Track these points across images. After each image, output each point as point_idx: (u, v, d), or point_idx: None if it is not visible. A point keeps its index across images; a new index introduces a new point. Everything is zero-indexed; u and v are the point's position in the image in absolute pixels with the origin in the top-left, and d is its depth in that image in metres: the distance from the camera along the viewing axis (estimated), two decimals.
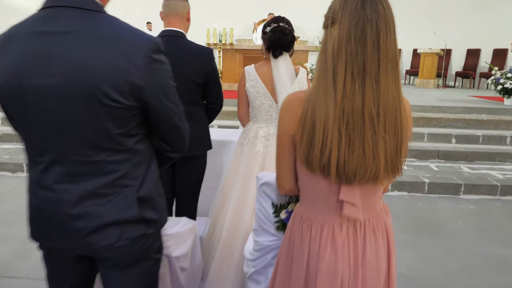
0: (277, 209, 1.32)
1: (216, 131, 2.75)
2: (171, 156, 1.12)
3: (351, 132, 0.84)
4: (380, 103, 0.84)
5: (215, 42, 7.26)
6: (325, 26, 0.89)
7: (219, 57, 7.18)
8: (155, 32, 8.20)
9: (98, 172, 0.95)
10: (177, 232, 1.74)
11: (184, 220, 1.95)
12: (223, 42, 7.35)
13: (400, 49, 10.36)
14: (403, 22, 10.02)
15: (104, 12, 0.94)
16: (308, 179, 0.95)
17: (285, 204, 1.31)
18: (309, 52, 7.78)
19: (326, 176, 0.88)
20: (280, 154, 0.97)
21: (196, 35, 8.46)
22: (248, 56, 7.19)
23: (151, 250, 1.07)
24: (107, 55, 0.88)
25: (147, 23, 9.66)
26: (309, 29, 10.22)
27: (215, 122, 5.12)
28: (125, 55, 0.89)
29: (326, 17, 0.89)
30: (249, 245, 1.50)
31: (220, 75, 7.04)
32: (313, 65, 6.78)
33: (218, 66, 7.39)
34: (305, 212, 0.99)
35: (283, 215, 1.30)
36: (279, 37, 1.84)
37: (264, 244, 1.37)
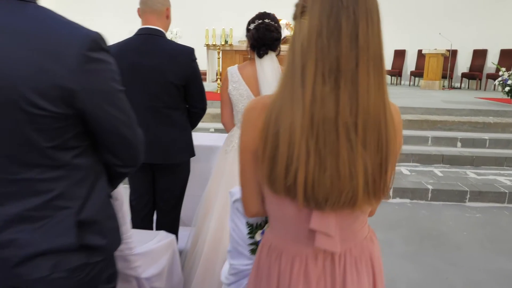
0: (253, 230, 1.15)
1: (204, 136, 2.60)
2: (123, 171, 0.97)
3: (321, 146, 0.68)
4: (358, 111, 0.68)
5: (214, 43, 7.11)
6: (295, 17, 0.73)
7: (218, 58, 7.03)
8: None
9: (27, 192, 0.80)
10: (149, 250, 1.58)
11: (161, 234, 1.80)
12: (225, 43, 7.21)
13: (404, 50, 10.17)
14: (408, 23, 9.88)
15: (34, 2, 0.80)
16: (274, 202, 0.79)
17: (262, 224, 1.15)
18: None
19: (293, 199, 0.72)
20: (243, 172, 0.81)
21: (196, 35, 8.36)
22: (248, 57, 7.02)
23: (98, 281, 0.92)
24: (32, 54, 0.73)
25: None
26: None
27: (210, 125, 4.98)
28: (53, 54, 0.74)
29: (296, 5, 0.73)
30: (225, 267, 1.35)
31: (219, 77, 6.90)
32: None
33: (218, 68, 7.25)
34: (274, 240, 0.84)
35: (258, 236, 1.14)
36: (263, 34, 1.68)
37: (239, 268, 1.21)
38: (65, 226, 0.83)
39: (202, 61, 9.04)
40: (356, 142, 0.69)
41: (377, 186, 0.72)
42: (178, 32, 7.38)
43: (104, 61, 0.81)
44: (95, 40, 0.79)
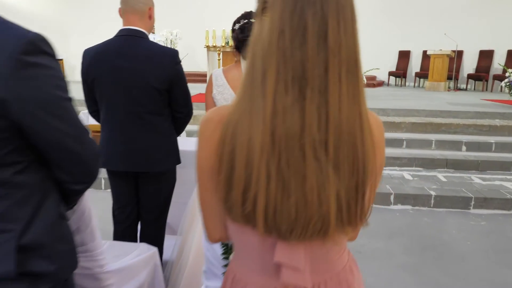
0: (227, 250, 1.05)
1: (194, 140, 2.49)
2: (75, 188, 0.87)
3: (285, 168, 0.57)
4: (328, 126, 0.57)
5: (214, 45, 7.03)
6: (256, 15, 0.63)
7: (219, 60, 6.95)
8: (155, 36, 8.05)
9: None
10: (126, 266, 1.48)
11: (142, 247, 1.70)
12: (225, 44, 7.12)
13: (409, 51, 10.01)
14: (412, 23, 9.73)
15: None
16: (235, 229, 0.68)
17: None
18: None
19: (254, 227, 0.61)
20: (201, 193, 0.71)
21: (196, 37, 8.26)
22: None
23: None
24: None
25: None
26: None
27: None
28: None
29: (258, 1, 0.63)
30: None
31: None
32: None
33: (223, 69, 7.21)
34: (238, 271, 0.73)
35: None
36: (248, 35, 1.58)
37: None
38: (4, 251, 0.74)
39: (203, 63, 8.96)
40: (327, 163, 0.58)
41: (352, 213, 0.61)
42: (178, 33, 7.31)
43: (43, 65, 0.72)
44: (33, 42, 0.69)
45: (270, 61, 0.58)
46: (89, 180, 0.86)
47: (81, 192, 0.91)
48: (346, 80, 0.58)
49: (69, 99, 0.79)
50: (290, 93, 0.56)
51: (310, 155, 0.57)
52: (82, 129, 0.81)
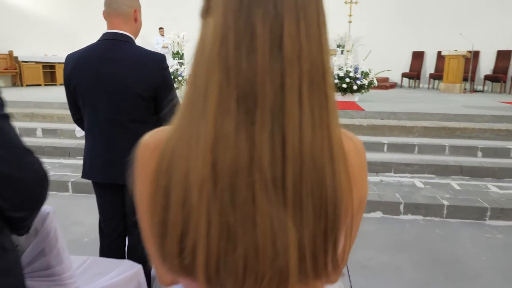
0: None
1: None
2: (16, 216, 0.76)
3: (229, 210, 0.45)
4: (286, 158, 0.44)
5: None
6: (201, 16, 0.50)
7: None
8: (164, 39, 8.01)
9: None
10: (104, 287, 1.38)
11: (125, 264, 1.59)
12: None
13: (423, 52, 9.73)
14: (426, 23, 9.52)
15: None
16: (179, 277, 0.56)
17: None
18: None
19: (194, 280, 0.49)
20: (144, 230, 0.59)
21: None
22: None
23: None
24: None
25: (159, 28, 9.48)
26: None
27: None
28: None
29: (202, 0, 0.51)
30: None
31: None
32: None
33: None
34: None
35: None
36: None
37: None
38: None
39: None
40: (284, 204, 0.45)
41: (320, 265, 0.48)
42: (185, 35, 7.25)
43: None
44: None
45: (212, 75, 0.46)
46: (31, 206, 0.76)
47: (25, 220, 0.80)
48: (310, 97, 0.45)
49: (4, 116, 0.68)
50: (234, 115, 0.44)
51: (261, 195, 0.44)
52: (19, 149, 0.71)
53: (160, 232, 0.48)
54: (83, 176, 1.71)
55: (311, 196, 0.46)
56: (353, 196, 0.50)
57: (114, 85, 1.56)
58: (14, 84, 9.39)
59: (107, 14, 1.61)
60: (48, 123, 5.19)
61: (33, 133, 4.95)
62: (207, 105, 0.46)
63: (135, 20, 1.64)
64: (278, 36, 0.44)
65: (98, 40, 1.61)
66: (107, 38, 1.59)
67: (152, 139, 0.54)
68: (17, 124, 5.02)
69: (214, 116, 0.45)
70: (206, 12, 0.48)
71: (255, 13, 0.44)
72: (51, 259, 1.11)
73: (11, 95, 7.02)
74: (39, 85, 9.51)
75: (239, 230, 0.45)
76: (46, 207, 1.16)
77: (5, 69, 9.07)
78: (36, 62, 9.48)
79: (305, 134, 0.45)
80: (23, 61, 9.26)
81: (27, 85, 9.27)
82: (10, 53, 9.17)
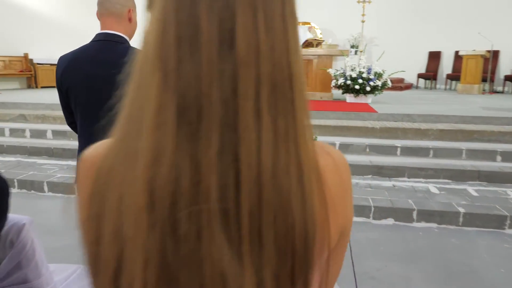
0: None
1: None
2: None
3: (170, 248, 0.36)
4: (241, 181, 0.35)
5: None
6: (146, 8, 0.42)
7: None
8: None
9: None
10: None
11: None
12: None
13: (440, 52, 9.47)
14: (443, 22, 9.27)
15: None
16: None
17: None
18: (336, 57, 7.21)
19: None
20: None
21: None
22: None
23: None
24: None
25: None
26: (339, 31, 9.62)
27: None
28: None
29: None
30: None
31: None
32: (337, 70, 6.21)
33: None
34: None
35: None
36: None
37: None
38: None
39: None
40: (239, 238, 0.36)
41: None
42: None
43: None
44: None
45: (152, 79, 0.37)
46: None
47: None
48: (271, 107, 0.36)
49: None
50: (173, 130, 0.35)
51: (208, 229, 0.35)
52: None
53: (92, 269, 0.40)
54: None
55: (273, 228, 0.37)
56: (330, 225, 0.40)
57: (106, 88, 1.49)
58: (29, 86, 9.55)
59: (100, 14, 1.55)
60: (59, 125, 5.22)
61: (43, 135, 4.99)
62: (144, 116, 0.37)
63: (130, 20, 1.58)
64: (229, 31, 0.35)
65: (91, 41, 1.55)
66: (99, 39, 1.53)
67: (90, 155, 0.46)
68: (29, 126, 5.09)
69: (151, 130, 0.36)
70: (149, 6, 0.40)
71: (200, 3, 0.35)
72: (28, 272, 1.05)
73: (25, 97, 7.13)
74: (54, 87, 9.63)
75: (182, 272, 0.36)
76: (22, 218, 1.10)
77: (21, 71, 9.24)
78: (51, 65, 9.62)
79: (264, 151, 0.36)
80: (38, 64, 9.41)
81: (42, 87, 9.42)
82: (26, 56, 9.33)
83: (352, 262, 2.49)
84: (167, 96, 0.36)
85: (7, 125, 5.24)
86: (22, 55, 9.30)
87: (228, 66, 0.35)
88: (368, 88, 5.84)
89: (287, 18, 0.38)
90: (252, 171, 0.36)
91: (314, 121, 4.86)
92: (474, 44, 8.17)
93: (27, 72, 9.34)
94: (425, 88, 9.74)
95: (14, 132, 5.10)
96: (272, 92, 0.36)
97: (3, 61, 8.91)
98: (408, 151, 4.23)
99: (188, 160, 0.35)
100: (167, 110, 0.36)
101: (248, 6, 0.35)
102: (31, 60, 9.40)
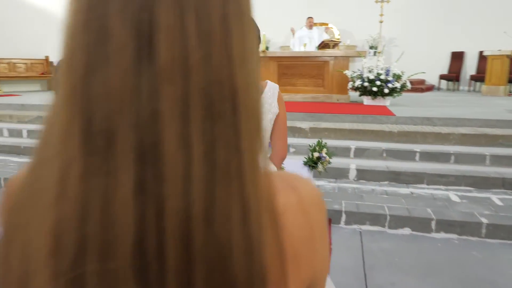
0: None
1: None
2: None
3: None
4: (164, 229, 0.27)
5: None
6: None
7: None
8: None
9: None
10: None
11: None
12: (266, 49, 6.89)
13: (463, 52, 9.14)
14: (466, 21, 8.94)
15: None
16: None
17: None
18: (354, 59, 7.04)
19: None
20: None
21: None
22: (283, 64, 6.66)
23: None
24: None
25: None
26: (358, 32, 9.42)
27: None
28: None
29: None
30: None
31: None
32: (354, 72, 6.05)
33: None
34: None
35: None
36: None
37: None
38: None
39: None
40: None
41: None
42: None
43: None
44: None
45: (62, 91, 0.30)
46: None
47: None
48: (205, 132, 0.27)
49: None
50: (78, 159, 0.27)
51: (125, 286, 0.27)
52: None
53: None
54: None
55: (212, 279, 0.28)
56: (288, 282, 0.31)
57: None
58: (50, 88, 9.78)
59: None
60: None
61: None
62: (52, 141, 0.30)
63: None
64: (147, 36, 0.27)
65: None
66: None
67: (10, 183, 0.38)
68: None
69: (57, 160, 0.28)
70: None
71: (109, 2, 0.27)
72: None
73: (45, 99, 7.28)
74: None
75: None
76: None
77: (42, 73, 9.47)
78: None
79: (195, 191, 0.27)
80: None
81: None
82: (47, 58, 9.56)
83: (365, 275, 2.37)
84: (72, 118, 0.28)
85: (25, 127, 5.34)
86: (43, 58, 9.53)
87: (147, 81, 0.27)
88: (386, 90, 5.65)
89: (230, 19, 0.29)
90: (178, 216, 0.27)
91: (329, 124, 4.73)
92: (499, 44, 7.83)
93: (48, 75, 9.56)
94: (448, 89, 9.41)
95: (32, 133, 5.18)
96: (207, 113, 0.27)
97: (25, 63, 9.15)
98: (427, 157, 4.04)
99: (98, 200, 0.27)
100: (72, 135, 0.28)
101: (172, 4, 0.27)
102: (52, 62, 9.63)
